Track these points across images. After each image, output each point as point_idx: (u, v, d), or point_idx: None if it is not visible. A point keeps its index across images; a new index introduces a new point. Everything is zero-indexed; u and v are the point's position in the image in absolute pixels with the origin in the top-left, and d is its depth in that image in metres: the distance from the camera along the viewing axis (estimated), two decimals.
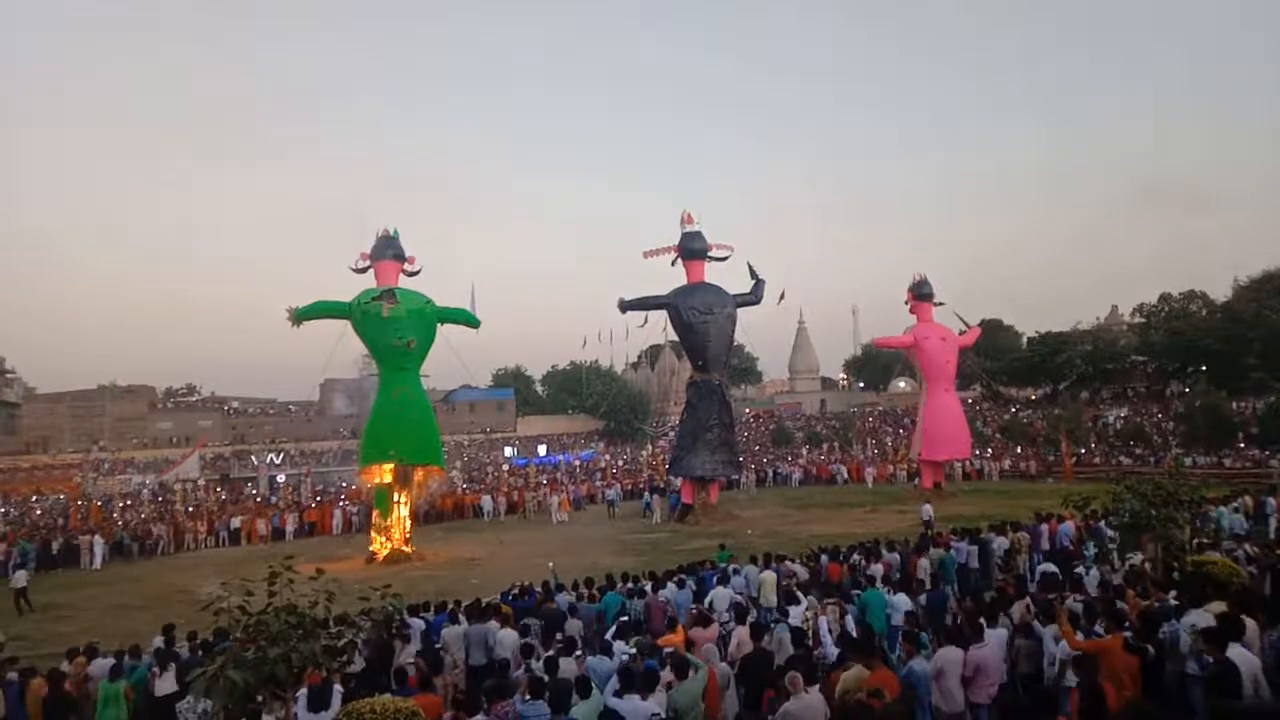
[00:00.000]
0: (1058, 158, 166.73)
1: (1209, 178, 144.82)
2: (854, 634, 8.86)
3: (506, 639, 9.81)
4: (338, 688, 7.19)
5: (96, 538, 28.50)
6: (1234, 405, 41.56)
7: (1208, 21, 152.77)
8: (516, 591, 13.04)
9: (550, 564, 15.81)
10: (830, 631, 8.82)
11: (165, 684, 9.42)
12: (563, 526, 31.45)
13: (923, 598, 10.68)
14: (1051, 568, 11.76)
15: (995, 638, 7.70)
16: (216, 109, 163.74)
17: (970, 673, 7.10)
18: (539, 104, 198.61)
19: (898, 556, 13.70)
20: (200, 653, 9.94)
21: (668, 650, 7.93)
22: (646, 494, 34.56)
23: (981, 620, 7.74)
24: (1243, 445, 36.76)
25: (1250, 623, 6.71)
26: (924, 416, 33.04)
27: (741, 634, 8.79)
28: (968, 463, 38.63)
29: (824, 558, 13.96)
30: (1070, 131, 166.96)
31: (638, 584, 12.73)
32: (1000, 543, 14.90)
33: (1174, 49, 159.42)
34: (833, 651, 8.19)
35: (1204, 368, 49.82)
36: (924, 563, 13.28)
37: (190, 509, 35.91)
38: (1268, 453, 33.41)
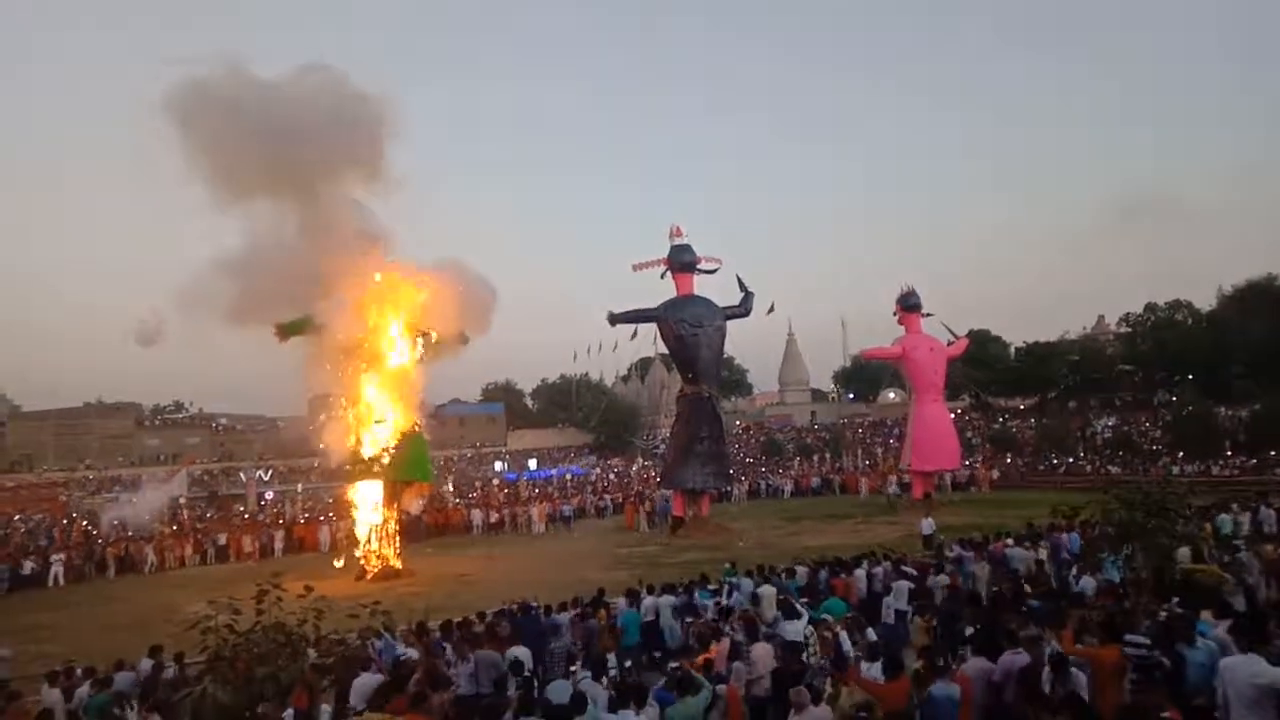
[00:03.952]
0: (1043, 169, 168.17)
1: (1192, 189, 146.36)
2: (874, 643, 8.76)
3: (520, 656, 9.70)
4: (325, 707, 7.10)
5: (58, 556, 28.53)
6: (1221, 413, 41.85)
7: (1194, 37, 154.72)
8: (515, 609, 12.91)
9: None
10: (854, 644, 8.78)
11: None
12: (551, 540, 31.38)
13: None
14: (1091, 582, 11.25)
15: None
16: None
17: (1000, 678, 7.07)
18: (526, 126, 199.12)
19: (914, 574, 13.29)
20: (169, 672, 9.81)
21: (672, 666, 7.93)
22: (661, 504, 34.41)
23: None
24: (1230, 453, 37.02)
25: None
26: (913, 427, 33.12)
27: (763, 650, 8.70)
28: (957, 473, 38.66)
29: (823, 572, 13.85)
30: (1055, 143, 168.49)
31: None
32: (1020, 555, 14.41)
33: (1160, 63, 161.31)
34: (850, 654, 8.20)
35: (1190, 376, 50.17)
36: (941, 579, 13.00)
37: (175, 527, 35.64)
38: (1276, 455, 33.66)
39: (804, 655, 8.38)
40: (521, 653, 9.80)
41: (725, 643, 9.15)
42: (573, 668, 8.70)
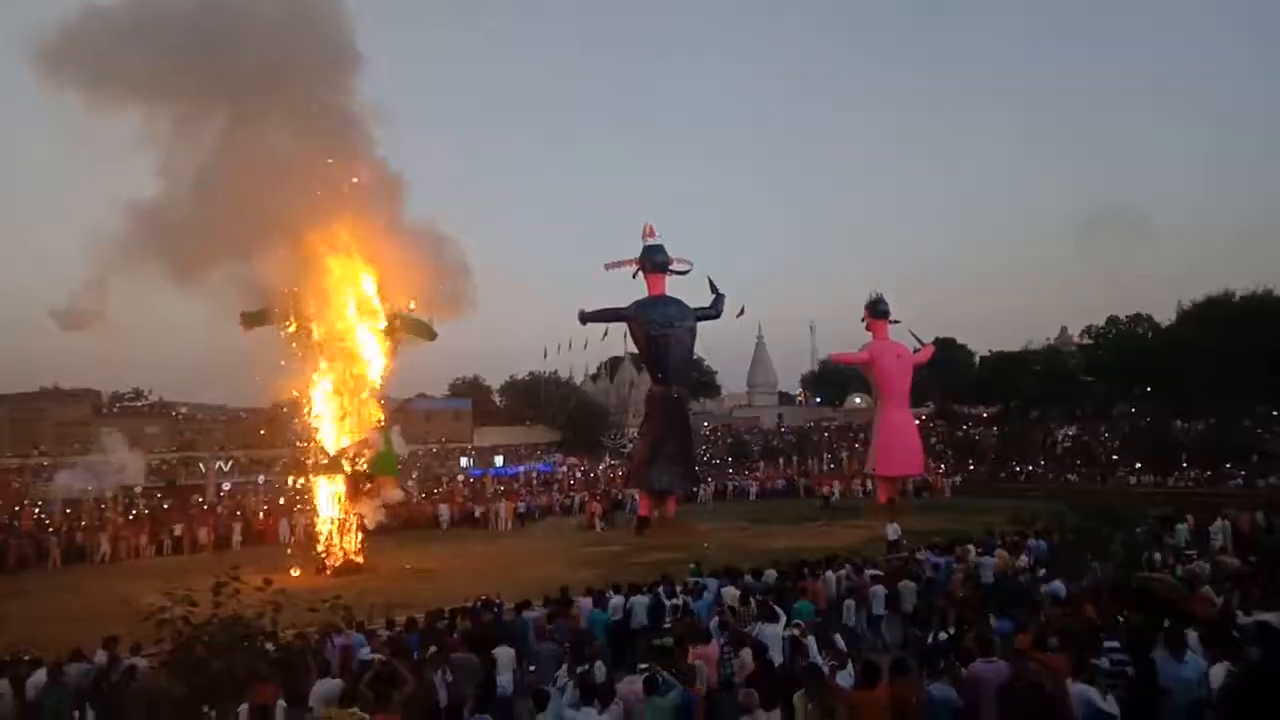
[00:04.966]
0: (1010, 181, 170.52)
1: (1156, 204, 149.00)
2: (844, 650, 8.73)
3: (503, 656, 9.55)
4: (281, 703, 6.99)
5: None
6: (1178, 426, 42.70)
7: (1159, 53, 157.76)
8: (478, 605, 12.78)
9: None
10: (820, 651, 8.75)
11: None
12: (514, 538, 31.24)
13: None
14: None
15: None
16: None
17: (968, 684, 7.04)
18: (496, 121, 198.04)
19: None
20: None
21: (641, 665, 7.91)
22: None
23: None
24: (1186, 466, 37.80)
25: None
26: (878, 432, 33.43)
27: (746, 654, 8.63)
28: (916, 479, 38.94)
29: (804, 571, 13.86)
30: (1022, 156, 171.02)
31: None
32: (989, 561, 14.28)
33: (1125, 79, 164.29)
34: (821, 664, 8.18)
35: (1149, 389, 51.16)
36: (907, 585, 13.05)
37: (132, 516, 35.03)
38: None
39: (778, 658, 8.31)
40: (503, 653, 9.66)
41: (714, 646, 9.08)
42: (531, 666, 8.59)
